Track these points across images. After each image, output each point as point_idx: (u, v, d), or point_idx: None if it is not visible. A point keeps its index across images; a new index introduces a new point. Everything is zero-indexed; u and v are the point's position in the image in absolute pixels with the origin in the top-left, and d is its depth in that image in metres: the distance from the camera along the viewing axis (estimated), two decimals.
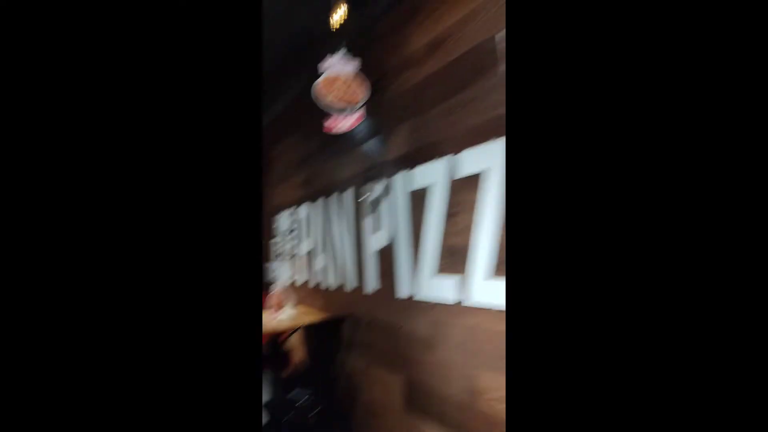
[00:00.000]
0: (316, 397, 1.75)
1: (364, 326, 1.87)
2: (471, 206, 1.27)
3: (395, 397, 1.67)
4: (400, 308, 1.64)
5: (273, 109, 3.12)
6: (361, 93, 1.51)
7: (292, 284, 2.74)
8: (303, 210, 2.55)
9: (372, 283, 1.81)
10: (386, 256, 1.72)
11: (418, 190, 1.52)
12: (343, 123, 1.53)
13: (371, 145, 1.77)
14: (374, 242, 1.79)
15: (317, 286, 2.39)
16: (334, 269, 2.17)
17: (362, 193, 1.90)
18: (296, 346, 2.64)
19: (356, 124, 1.53)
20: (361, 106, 1.53)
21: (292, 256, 2.75)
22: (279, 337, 2.16)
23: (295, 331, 1.76)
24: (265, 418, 1.96)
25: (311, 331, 1.71)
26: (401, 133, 1.61)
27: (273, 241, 3.12)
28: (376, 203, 1.78)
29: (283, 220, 2.91)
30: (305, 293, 2.56)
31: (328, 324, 1.77)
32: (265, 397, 2.43)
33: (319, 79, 1.47)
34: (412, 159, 1.55)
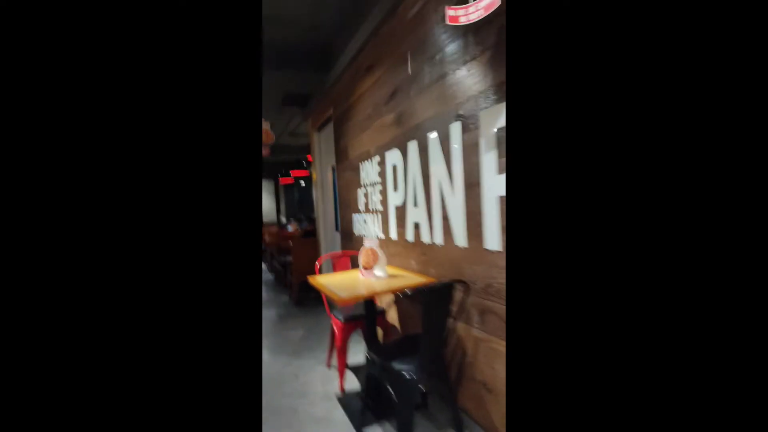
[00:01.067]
0: (423, 368, 1.47)
1: (482, 290, 1.51)
2: None
3: None
4: None
5: (350, 47, 2.73)
6: None
7: (384, 240, 2.46)
8: (394, 154, 2.19)
9: (493, 238, 1.41)
10: None
11: None
12: (472, 10, 1.08)
13: (496, 52, 1.30)
14: (498, 186, 1.37)
15: (415, 241, 2.07)
16: (435, 221, 1.81)
17: (476, 123, 1.46)
18: (393, 311, 2.42)
19: (489, 11, 1.07)
20: None
21: (383, 208, 2.45)
22: (374, 301, 1.91)
23: (401, 296, 1.46)
24: (364, 388, 1.77)
25: (416, 295, 1.41)
26: None
27: (360, 191, 2.85)
28: (500, 135, 1.34)
29: (370, 168, 2.60)
30: (400, 250, 2.26)
31: (435, 288, 1.45)
32: (363, 364, 2.25)
33: None
34: None
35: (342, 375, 2.12)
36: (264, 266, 7.36)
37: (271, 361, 2.62)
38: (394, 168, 2.20)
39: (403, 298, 2.18)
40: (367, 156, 2.60)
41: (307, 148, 4.63)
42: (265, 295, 4.97)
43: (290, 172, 9.03)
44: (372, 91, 2.47)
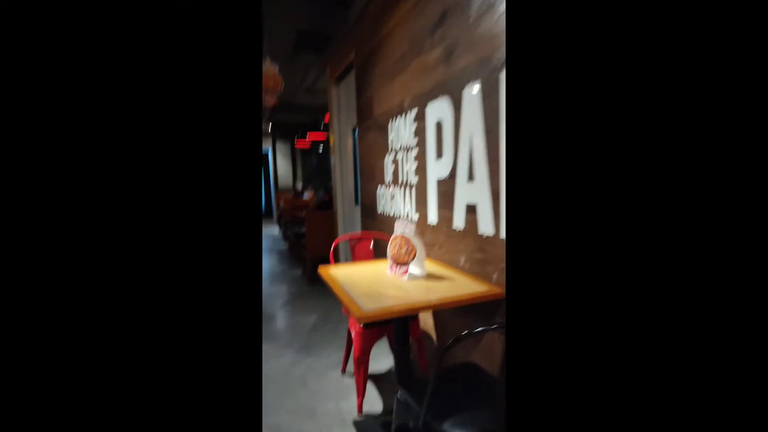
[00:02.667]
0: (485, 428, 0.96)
1: None
2: None
3: None
4: None
5: None
6: None
7: (418, 224, 1.90)
8: (440, 104, 1.58)
9: None
10: None
11: None
12: None
13: None
14: None
15: (466, 230, 1.50)
16: (504, 205, 1.23)
17: None
18: (428, 315, 1.90)
19: None
20: None
21: (419, 181, 1.87)
22: (410, 318, 1.39)
23: (465, 336, 0.93)
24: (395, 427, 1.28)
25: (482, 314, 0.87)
26: None
27: (387, 157, 2.26)
28: None
29: (403, 127, 1.99)
30: (442, 240, 1.70)
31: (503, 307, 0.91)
32: (388, 371, 1.74)
33: None
34: None
35: (361, 394, 1.66)
36: (279, 233, 7.00)
37: (276, 355, 2.19)
38: (439, 125, 1.60)
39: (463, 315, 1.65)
40: (400, 110, 1.99)
41: (327, 108, 4.02)
42: (277, 266, 4.59)
43: (307, 134, 8.42)
44: (409, 20, 1.82)
